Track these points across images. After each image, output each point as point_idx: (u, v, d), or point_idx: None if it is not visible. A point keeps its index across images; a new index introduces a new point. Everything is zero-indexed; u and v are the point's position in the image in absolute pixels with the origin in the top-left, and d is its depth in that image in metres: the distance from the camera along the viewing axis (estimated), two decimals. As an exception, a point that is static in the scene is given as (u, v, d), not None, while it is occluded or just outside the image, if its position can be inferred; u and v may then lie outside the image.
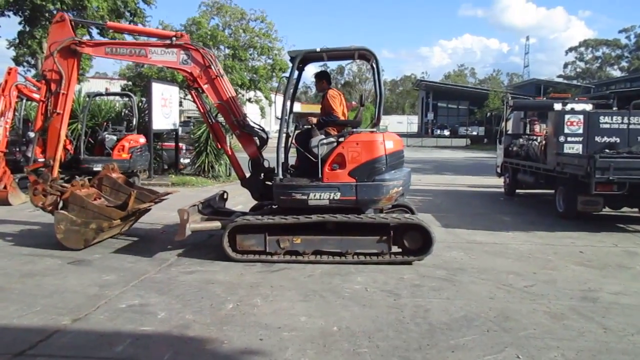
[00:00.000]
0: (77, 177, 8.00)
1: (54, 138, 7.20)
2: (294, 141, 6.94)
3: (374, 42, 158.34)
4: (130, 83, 30.15)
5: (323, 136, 6.65)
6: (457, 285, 5.66)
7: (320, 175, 6.37)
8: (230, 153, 7.71)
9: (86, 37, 17.06)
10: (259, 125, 7.40)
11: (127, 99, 16.51)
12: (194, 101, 7.67)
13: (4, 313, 4.67)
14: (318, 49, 6.65)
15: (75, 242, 6.87)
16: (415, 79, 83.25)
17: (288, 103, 6.80)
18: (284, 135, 6.67)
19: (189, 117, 34.66)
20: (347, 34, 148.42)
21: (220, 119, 7.88)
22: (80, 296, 5.16)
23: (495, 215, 10.38)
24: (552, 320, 4.66)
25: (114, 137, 13.34)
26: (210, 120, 7.63)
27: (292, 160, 7.03)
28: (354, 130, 6.62)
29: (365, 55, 7.02)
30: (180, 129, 18.08)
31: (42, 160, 7.64)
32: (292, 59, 6.74)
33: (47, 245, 7.15)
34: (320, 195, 6.33)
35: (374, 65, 6.81)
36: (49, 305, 4.88)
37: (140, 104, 16.57)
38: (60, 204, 7.08)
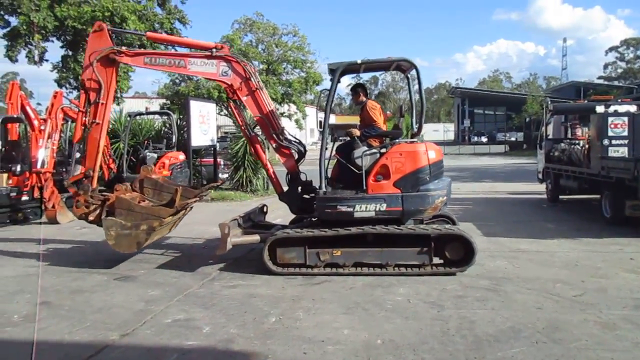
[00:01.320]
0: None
1: (93, 148, 7.14)
2: (335, 153, 6.95)
3: (407, 51, 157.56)
4: (168, 102, 30.81)
5: (366, 148, 6.65)
6: (502, 296, 5.54)
7: (365, 187, 6.36)
8: (268, 166, 7.74)
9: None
10: (296, 139, 7.44)
11: (166, 117, 16.92)
12: (233, 113, 7.69)
13: (55, 329, 4.82)
14: (359, 61, 6.67)
15: (127, 246, 6.75)
16: (450, 86, 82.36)
17: (329, 116, 6.83)
18: (326, 148, 6.70)
19: (226, 133, 35.26)
20: (380, 44, 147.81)
21: (258, 131, 7.92)
22: (127, 312, 5.28)
23: (539, 223, 10.13)
24: (604, 330, 4.50)
25: (155, 155, 13.69)
26: (249, 133, 7.66)
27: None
28: (396, 140, 6.61)
29: (403, 65, 7.00)
30: (218, 144, 18.40)
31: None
32: (332, 72, 6.70)
33: (94, 262, 7.38)
34: (366, 207, 6.30)
35: (416, 75, 6.77)
36: (98, 321, 5.01)
37: (178, 122, 16.97)
38: (104, 213, 6.98)
